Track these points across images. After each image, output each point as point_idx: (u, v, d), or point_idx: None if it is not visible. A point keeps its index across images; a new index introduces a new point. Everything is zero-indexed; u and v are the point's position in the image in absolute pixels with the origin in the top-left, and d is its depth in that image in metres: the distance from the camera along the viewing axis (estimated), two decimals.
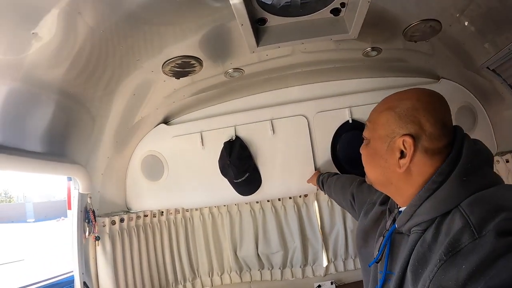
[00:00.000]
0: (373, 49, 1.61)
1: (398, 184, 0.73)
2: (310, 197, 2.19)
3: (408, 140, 0.68)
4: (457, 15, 1.30)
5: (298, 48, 1.54)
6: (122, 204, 2.07)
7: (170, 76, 1.55)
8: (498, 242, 0.51)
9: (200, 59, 1.47)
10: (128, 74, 1.44)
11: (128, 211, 2.07)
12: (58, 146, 1.47)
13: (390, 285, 0.70)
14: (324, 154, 1.93)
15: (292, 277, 2.26)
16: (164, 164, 2.02)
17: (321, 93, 1.98)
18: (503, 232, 0.52)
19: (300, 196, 2.18)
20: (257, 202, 2.18)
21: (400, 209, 0.77)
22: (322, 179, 1.68)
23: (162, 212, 2.18)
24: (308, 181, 1.91)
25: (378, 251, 0.77)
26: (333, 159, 1.92)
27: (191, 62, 1.47)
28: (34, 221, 23.58)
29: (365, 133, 0.81)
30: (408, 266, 0.64)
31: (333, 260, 2.25)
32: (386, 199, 0.90)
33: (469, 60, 1.72)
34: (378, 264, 0.78)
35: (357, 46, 1.59)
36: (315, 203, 2.20)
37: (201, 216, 2.26)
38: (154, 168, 2.04)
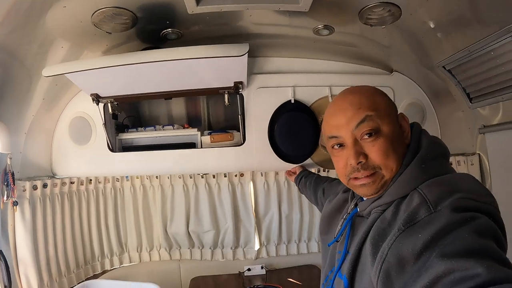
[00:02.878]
0: (325, 27, 1.53)
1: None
2: (246, 177, 2.12)
3: (403, 114, 0.79)
4: (421, 4, 1.24)
5: (246, 18, 1.46)
6: (47, 168, 1.90)
7: (101, 29, 1.42)
8: (452, 216, 0.56)
9: (134, 14, 1.35)
10: (59, 27, 1.33)
11: (53, 176, 1.90)
12: None
13: (347, 263, 0.73)
14: (261, 131, 1.84)
15: (223, 258, 2.21)
16: (92, 127, 1.86)
17: (264, 68, 1.90)
18: (457, 208, 0.57)
19: (235, 175, 2.10)
20: (190, 177, 2.08)
21: None
22: (303, 175, 1.72)
23: (91, 180, 2.03)
24: (287, 175, 1.93)
25: (339, 232, 0.81)
26: (269, 138, 1.84)
27: (123, 17, 1.34)
28: None
29: (370, 124, 0.71)
30: (367, 240, 0.67)
31: (265, 244, 2.21)
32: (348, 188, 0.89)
33: (425, 56, 1.70)
34: (338, 244, 0.81)
35: (309, 24, 1.52)
36: (251, 184, 2.13)
37: (132, 188, 2.13)
38: (82, 131, 1.87)
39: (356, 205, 0.82)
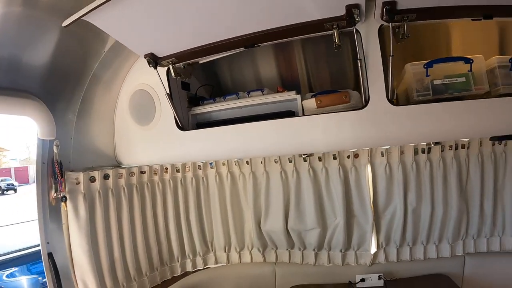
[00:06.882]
0: None
1: None
2: (362, 158, 1.71)
3: None
4: None
5: None
6: (111, 156, 1.62)
7: None
8: None
9: None
10: None
11: (118, 165, 1.62)
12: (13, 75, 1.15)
13: None
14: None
15: (329, 263, 1.89)
16: (156, 101, 1.48)
17: None
18: None
19: (348, 156, 1.69)
20: (290, 161, 1.73)
21: None
22: None
23: (166, 168, 1.76)
24: None
25: None
26: None
27: None
28: None
29: None
30: None
31: (384, 245, 1.82)
32: None
33: None
34: None
35: None
36: (368, 167, 1.71)
37: (217, 176, 1.85)
38: (144, 107, 1.51)
39: None
